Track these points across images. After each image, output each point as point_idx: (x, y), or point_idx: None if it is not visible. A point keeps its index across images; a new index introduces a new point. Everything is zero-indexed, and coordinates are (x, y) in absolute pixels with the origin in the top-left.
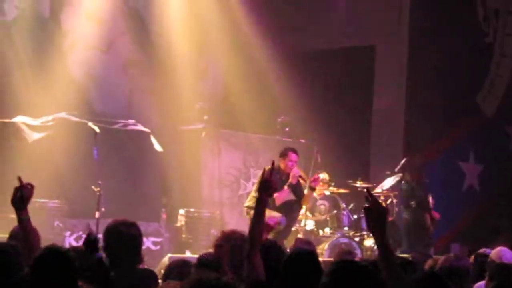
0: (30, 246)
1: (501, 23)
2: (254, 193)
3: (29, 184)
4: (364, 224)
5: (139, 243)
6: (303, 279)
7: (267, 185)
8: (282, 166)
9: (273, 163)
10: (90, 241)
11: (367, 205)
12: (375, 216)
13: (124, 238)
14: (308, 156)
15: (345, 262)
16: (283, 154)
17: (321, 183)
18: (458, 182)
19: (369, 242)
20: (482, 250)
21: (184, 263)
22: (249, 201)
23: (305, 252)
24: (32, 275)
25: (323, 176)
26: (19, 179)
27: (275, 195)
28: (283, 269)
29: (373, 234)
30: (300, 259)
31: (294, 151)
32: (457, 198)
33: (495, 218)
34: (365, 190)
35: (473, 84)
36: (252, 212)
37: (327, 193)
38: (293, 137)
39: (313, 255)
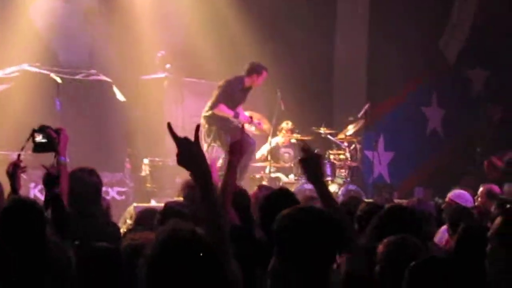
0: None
1: None
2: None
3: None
4: (329, 170)
5: (100, 189)
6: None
7: (237, 148)
8: (249, 82)
9: (242, 127)
10: (50, 178)
11: (303, 157)
12: (311, 165)
13: (86, 184)
14: (271, 103)
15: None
16: (256, 71)
17: (284, 131)
18: (422, 126)
19: (333, 187)
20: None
21: (152, 212)
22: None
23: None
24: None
25: (289, 124)
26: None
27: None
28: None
29: (312, 183)
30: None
31: (267, 71)
32: (421, 142)
33: (458, 162)
34: (301, 143)
35: (435, 30)
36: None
37: (292, 140)
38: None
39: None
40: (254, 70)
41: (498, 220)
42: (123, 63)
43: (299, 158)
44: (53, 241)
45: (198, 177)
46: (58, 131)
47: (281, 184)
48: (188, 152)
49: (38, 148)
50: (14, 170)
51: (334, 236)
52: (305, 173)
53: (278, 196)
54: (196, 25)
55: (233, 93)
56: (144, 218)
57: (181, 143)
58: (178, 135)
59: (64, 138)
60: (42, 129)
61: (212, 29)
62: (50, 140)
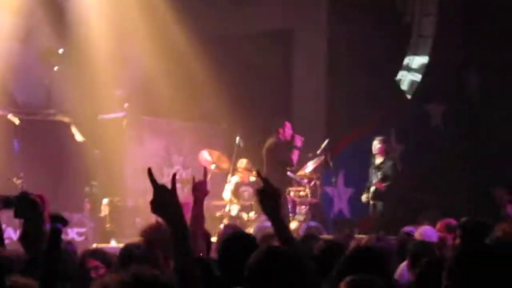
0: None
1: (418, 3)
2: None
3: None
4: (290, 207)
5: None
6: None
7: (200, 187)
8: (280, 135)
9: (205, 170)
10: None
11: (261, 188)
12: (269, 198)
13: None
14: (230, 141)
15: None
16: (279, 125)
17: (241, 169)
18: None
19: (294, 224)
20: (405, 229)
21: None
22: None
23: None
24: None
25: (243, 163)
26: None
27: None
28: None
29: (268, 215)
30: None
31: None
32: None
33: (418, 197)
34: (256, 172)
35: (392, 66)
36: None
37: (252, 178)
38: (214, 122)
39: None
40: (276, 125)
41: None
42: (82, 102)
43: (257, 189)
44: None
45: (172, 225)
46: (41, 198)
47: (241, 222)
48: (163, 199)
49: (20, 213)
50: None
51: (298, 277)
52: (261, 204)
53: (235, 240)
54: (154, 63)
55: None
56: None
57: (158, 190)
58: (157, 182)
59: (47, 204)
60: (24, 197)
61: (170, 67)
62: (34, 208)
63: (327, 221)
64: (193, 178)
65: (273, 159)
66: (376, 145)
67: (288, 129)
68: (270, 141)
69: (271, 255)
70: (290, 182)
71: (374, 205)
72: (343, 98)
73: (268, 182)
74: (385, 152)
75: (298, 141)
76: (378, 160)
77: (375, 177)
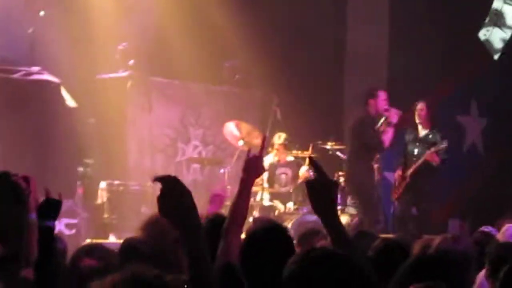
0: None
1: None
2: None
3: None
4: (338, 196)
5: None
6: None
7: (255, 165)
8: (371, 108)
9: (263, 138)
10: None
11: (312, 179)
12: (320, 192)
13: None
14: (265, 111)
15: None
16: (371, 94)
17: (278, 146)
18: (457, 141)
19: (344, 219)
20: (483, 228)
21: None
22: None
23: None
24: None
25: (281, 138)
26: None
27: (383, 137)
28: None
29: (320, 215)
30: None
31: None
32: (456, 162)
33: (502, 186)
34: (308, 158)
35: (474, 17)
36: None
37: (290, 158)
38: (245, 86)
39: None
40: (367, 95)
41: None
42: (75, 59)
43: (307, 180)
44: None
45: (184, 230)
46: (27, 180)
47: (276, 214)
48: (173, 197)
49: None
50: None
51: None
52: (312, 201)
53: (262, 235)
54: (168, 11)
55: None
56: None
57: (165, 183)
58: (165, 178)
59: (34, 189)
60: (4, 178)
61: (188, 17)
62: (17, 192)
63: (387, 216)
64: (248, 152)
65: (357, 141)
66: (420, 110)
67: (382, 101)
68: (356, 118)
69: (324, 260)
70: (374, 172)
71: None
72: (409, 65)
73: (322, 172)
74: (430, 120)
75: (394, 116)
76: (423, 132)
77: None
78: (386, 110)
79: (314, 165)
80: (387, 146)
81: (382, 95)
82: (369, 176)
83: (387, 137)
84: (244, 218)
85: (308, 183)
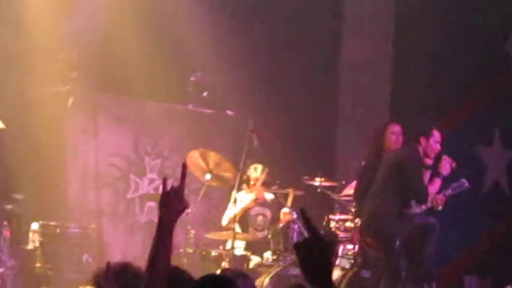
0: None
1: None
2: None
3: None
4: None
5: None
6: None
7: (175, 199)
8: (421, 148)
9: (184, 166)
10: None
11: (304, 238)
12: (313, 257)
13: None
14: (238, 136)
15: None
16: (424, 132)
17: (254, 180)
18: (476, 177)
19: (336, 273)
20: None
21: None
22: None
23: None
24: None
25: (258, 170)
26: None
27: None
28: None
29: (312, 283)
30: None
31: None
32: (474, 203)
33: None
34: (300, 210)
35: (497, 25)
36: None
37: (269, 196)
38: (214, 106)
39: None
40: (420, 132)
41: None
42: (2, 68)
43: (297, 242)
44: None
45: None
46: None
47: (250, 266)
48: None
49: None
50: None
51: None
52: (303, 267)
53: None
54: (118, 10)
55: None
56: None
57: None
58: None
59: None
60: None
61: (145, 17)
62: None
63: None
64: (164, 181)
65: (394, 181)
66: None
67: (435, 143)
68: (397, 153)
69: None
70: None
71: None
72: (416, 77)
73: (315, 230)
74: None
75: (446, 166)
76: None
77: None
78: (437, 155)
79: (306, 221)
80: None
81: (437, 136)
82: (399, 225)
83: (433, 189)
84: (166, 271)
85: (298, 245)
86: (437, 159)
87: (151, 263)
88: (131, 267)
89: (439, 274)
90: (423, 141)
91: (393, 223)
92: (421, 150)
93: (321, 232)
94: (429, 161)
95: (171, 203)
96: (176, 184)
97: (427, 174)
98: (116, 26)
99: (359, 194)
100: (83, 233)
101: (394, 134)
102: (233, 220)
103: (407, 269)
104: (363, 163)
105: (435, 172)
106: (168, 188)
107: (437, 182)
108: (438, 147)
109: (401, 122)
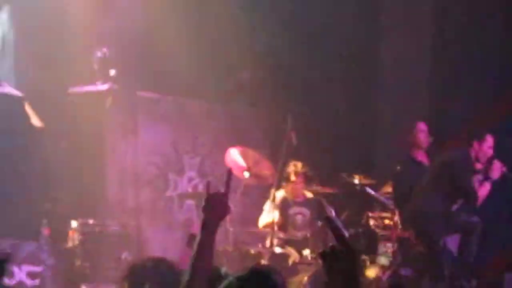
0: None
1: None
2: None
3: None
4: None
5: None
6: None
7: (219, 203)
8: (474, 151)
9: (229, 172)
10: None
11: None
12: (339, 265)
13: None
14: (277, 134)
15: None
16: (478, 137)
17: (295, 178)
18: None
19: (372, 271)
20: None
21: None
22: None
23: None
24: None
25: (298, 167)
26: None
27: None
28: None
29: None
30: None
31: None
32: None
33: None
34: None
35: None
36: None
37: (308, 195)
38: (253, 105)
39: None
40: (475, 136)
41: None
42: (41, 68)
43: (322, 250)
44: None
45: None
46: None
47: (290, 263)
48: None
49: None
50: None
51: None
52: (329, 276)
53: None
54: (159, 8)
55: None
56: None
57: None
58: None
59: None
60: None
61: (185, 15)
62: None
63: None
64: (207, 185)
65: (448, 183)
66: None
67: (488, 148)
68: (450, 154)
69: None
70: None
71: None
72: (457, 80)
73: (344, 238)
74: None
75: (496, 170)
76: None
77: None
78: (489, 161)
79: (332, 229)
80: (478, 204)
81: (489, 141)
82: (444, 224)
83: (482, 192)
84: (208, 271)
85: (325, 253)
86: (488, 163)
87: (194, 264)
88: (164, 260)
89: (480, 271)
90: (476, 145)
91: (439, 222)
92: (473, 154)
93: (360, 230)
94: (479, 166)
95: (215, 208)
96: (216, 184)
97: (477, 178)
98: (155, 24)
99: (400, 196)
100: (122, 231)
101: (423, 132)
102: (270, 225)
103: (450, 268)
104: (398, 168)
105: (486, 176)
106: (211, 191)
107: (487, 186)
108: (490, 152)
109: (440, 120)
